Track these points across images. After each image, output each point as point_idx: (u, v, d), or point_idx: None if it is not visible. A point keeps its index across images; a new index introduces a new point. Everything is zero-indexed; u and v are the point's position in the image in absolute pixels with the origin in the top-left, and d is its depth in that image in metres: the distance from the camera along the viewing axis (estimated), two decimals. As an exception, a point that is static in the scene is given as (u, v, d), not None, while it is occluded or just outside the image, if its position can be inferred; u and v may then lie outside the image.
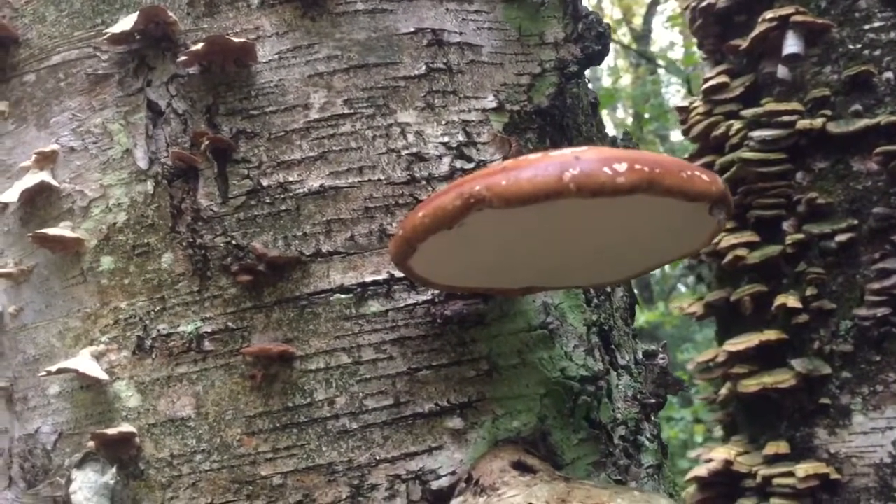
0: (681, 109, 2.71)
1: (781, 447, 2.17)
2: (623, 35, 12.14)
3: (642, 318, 9.43)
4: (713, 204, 0.82)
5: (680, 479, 2.50)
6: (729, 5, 2.55)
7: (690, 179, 0.78)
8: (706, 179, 0.79)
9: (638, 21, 11.69)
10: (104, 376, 0.98)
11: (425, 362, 0.98)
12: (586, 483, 0.82)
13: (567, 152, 0.78)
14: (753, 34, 2.40)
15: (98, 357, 1.00)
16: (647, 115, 10.45)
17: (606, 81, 12.79)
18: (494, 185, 0.76)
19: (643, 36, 11.47)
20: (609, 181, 0.75)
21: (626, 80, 12.44)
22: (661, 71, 10.67)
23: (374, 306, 0.98)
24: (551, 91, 1.13)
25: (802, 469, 2.10)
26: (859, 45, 2.32)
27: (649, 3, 11.09)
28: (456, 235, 0.82)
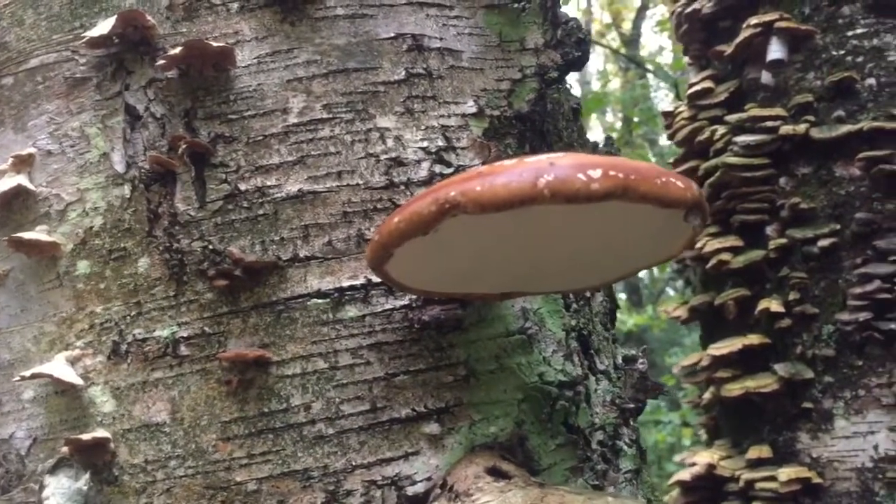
0: (666, 114, 2.71)
1: (764, 451, 2.18)
2: (612, 39, 12.19)
3: (630, 321, 9.46)
4: (688, 210, 0.82)
5: (668, 483, 2.51)
6: (714, 11, 2.56)
7: (665, 186, 0.78)
8: (681, 186, 0.80)
9: (627, 25, 11.74)
10: (79, 381, 0.98)
11: (402, 367, 0.98)
12: (560, 489, 0.82)
13: (542, 158, 0.78)
14: (738, 40, 2.41)
15: (73, 362, 0.99)
16: (636, 119, 10.50)
17: (596, 86, 12.83)
18: (469, 191, 0.76)
19: (632, 40, 11.52)
20: (583, 188, 0.75)
21: (615, 84, 12.49)
22: (650, 75, 10.72)
23: (351, 311, 0.98)
24: (532, 97, 1.13)
25: (785, 473, 2.10)
26: (842, 52, 2.33)
27: (638, 7, 11.15)
28: (432, 241, 0.82)
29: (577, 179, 0.75)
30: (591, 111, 10.83)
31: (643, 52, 12.04)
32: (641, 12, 11.21)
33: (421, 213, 0.78)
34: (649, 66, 10.43)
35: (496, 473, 0.88)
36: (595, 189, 0.75)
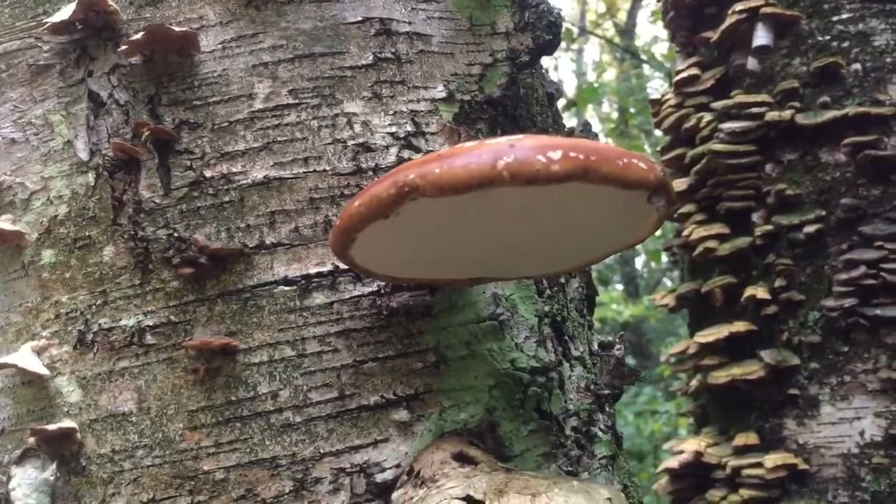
0: (653, 102, 2.71)
1: (751, 438, 2.18)
2: (607, 29, 12.15)
3: (627, 312, 9.46)
4: (651, 192, 0.81)
5: (656, 471, 2.50)
6: (700, -2, 2.56)
7: (627, 167, 0.77)
8: (643, 167, 0.79)
9: (622, 15, 11.70)
10: (45, 371, 0.97)
11: (371, 354, 0.97)
12: (526, 473, 0.81)
13: (502, 140, 0.77)
14: (723, 26, 2.40)
15: (39, 352, 0.99)
16: (631, 110, 10.47)
17: (592, 76, 12.79)
18: (428, 174, 0.75)
19: (627, 30, 11.49)
20: (543, 169, 0.74)
21: (611, 74, 12.45)
22: (645, 65, 10.69)
23: (318, 298, 0.97)
24: (503, 81, 1.12)
25: (771, 460, 2.10)
26: (828, 37, 2.32)
27: (633, -3, 11.10)
28: (396, 225, 0.81)
29: (536, 161, 0.74)
30: (586, 102, 10.80)
31: (638, 42, 12.01)
32: (636, 2, 11.17)
33: (380, 196, 0.77)
34: (643, 56, 10.40)
35: (463, 459, 0.87)
36: (555, 171, 0.74)
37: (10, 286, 1.02)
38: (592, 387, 1.16)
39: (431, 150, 1.04)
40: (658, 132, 2.79)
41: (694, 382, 2.42)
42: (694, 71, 2.51)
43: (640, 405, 8.37)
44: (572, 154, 0.75)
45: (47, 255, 1.00)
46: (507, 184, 0.74)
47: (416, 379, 0.98)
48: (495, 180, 0.74)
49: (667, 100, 2.60)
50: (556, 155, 0.74)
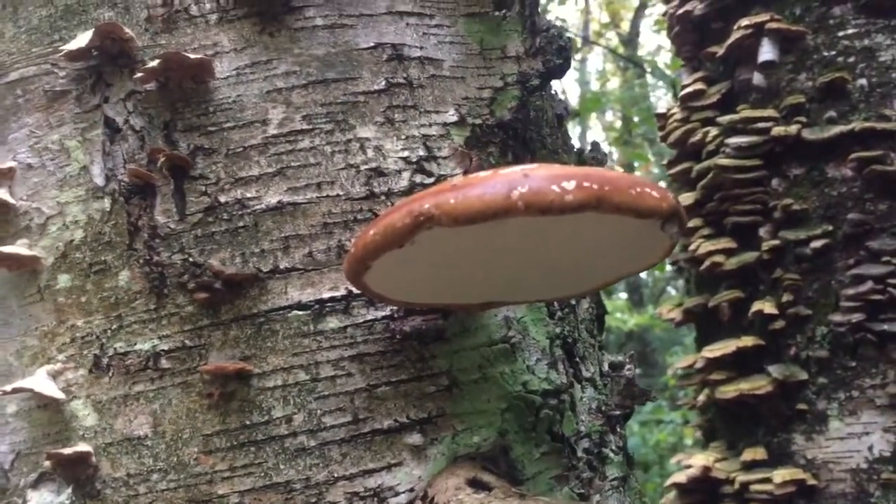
0: (659, 116, 2.72)
1: (759, 453, 2.18)
2: (610, 39, 12.18)
3: (632, 321, 9.45)
4: (664, 220, 0.82)
5: (665, 485, 2.50)
6: (706, 12, 2.57)
7: (640, 196, 0.78)
8: (656, 196, 0.79)
9: (626, 25, 11.73)
10: (60, 395, 0.98)
11: (384, 378, 0.97)
12: (541, 499, 0.82)
13: (517, 170, 0.77)
14: (729, 41, 2.41)
15: (55, 376, 0.99)
16: (635, 119, 10.49)
17: (595, 85, 12.82)
18: (443, 204, 0.76)
19: (630, 40, 11.52)
20: (557, 199, 0.75)
21: (614, 83, 12.48)
22: (648, 75, 10.71)
23: (332, 322, 0.97)
24: (513, 104, 1.13)
25: (779, 475, 2.10)
26: (833, 52, 2.33)
27: (637, 6, 11.14)
28: (410, 252, 0.82)
29: (550, 191, 0.75)
30: (589, 111, 10.83)
31: (641, 52, 12.04)
32: (640, 12, 11.20)
33: (395, 225, 0.78)
34: (647, 66, 10.42)
35: (477, 485, 0.87)
36: (569, 201, 0.75)
37: (26, 310, 1.03)
38: (604, 408, 1.17)
39: (443, 174, 1.05)
40: (663, 143, 2.81)
41: (701, 397, 2.42)
42: (700, 85, 2.52)
43: (645, 415, 8.35)
44: (586, 184, 0.76)
45: (63, 280, 1.01)
46: (521, 214, 0.75)
47: (429, 402, 0.98)
48: (510, 210, 0.75)
49: (673, 114, 2.61)
50: (570, 185, 0.75)
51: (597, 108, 10.96)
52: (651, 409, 8.31)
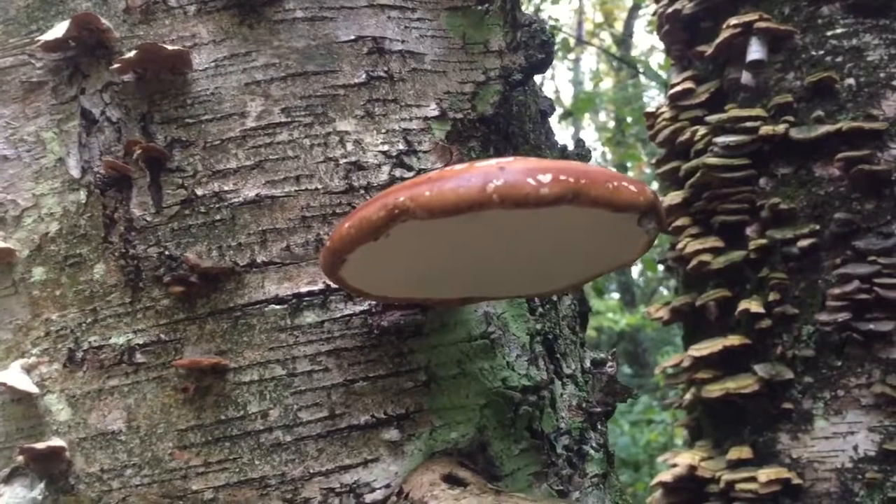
0: (648, 115, 2.71)
1: (744, 452, 2.18)
2: (604, 40, 12.19)
3: (623, 321, 9.46)
4: (642, 214, 0.82)
5: (650, 484, 2.50)
6: (695, 11, 2.57)
7: (617, 190, 0.78)
8: (633, 190, 0.79)
9: (619, 25, 11.74)
10: (34, 389, 0.97)
11: (362, 374, 0.97)
12: (515, 496, 0.81)
13: (492, 163, 0.77)
14: (718, 40, 2.41)
15: (29, 370, 0.98)
16: (628, 119, 10.50)
17: (588, 85, 12.82)
18: (418, 196, 0.75)
19: (624, 40, 11.53)
20: (533, 192, 0.74)
21: (607, 83, 12.49)
22: (642, 75, 10.72)
23: (309, 317, 0.97)
24: (496, 99, 1.12)
25: (764, 474, 2.10)
26: (822, 52, 2.33)
27: (630, 7, 11.15)
28: (387, 245, 0.81)
29: (526, 184, 0.74)
30: (582, 111, 10.83)
31: (635, 52, 12.05)
32: (633, 12, 11.21)
33: (370, 218, 0.77)
34: (639, 67, 10.43)
35: (452, 480, 0.87)
36: (545, 194, 0.74)
37: (0, 303, 1.02)
38: (584, 404, 1.16)
39: (424, 169, 1.04)
40: (652, 142, 2.81)
41: (688, 396, 2.42)
42: (689, 84, 2.52)
43: (636, 414, 8.36)
44: (562, 177, 0.75)
45: (38, 273, 1.00)
46: (496, 207, 0.74)
47: (407, 398, 0.98)
48: (485, 203, 0.74)
49: (661, 112, 2.61)
50: (546, 178, 0.74)
51: (590, 109, 10.97)
52: (642, 409, 8.31)
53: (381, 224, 0.77)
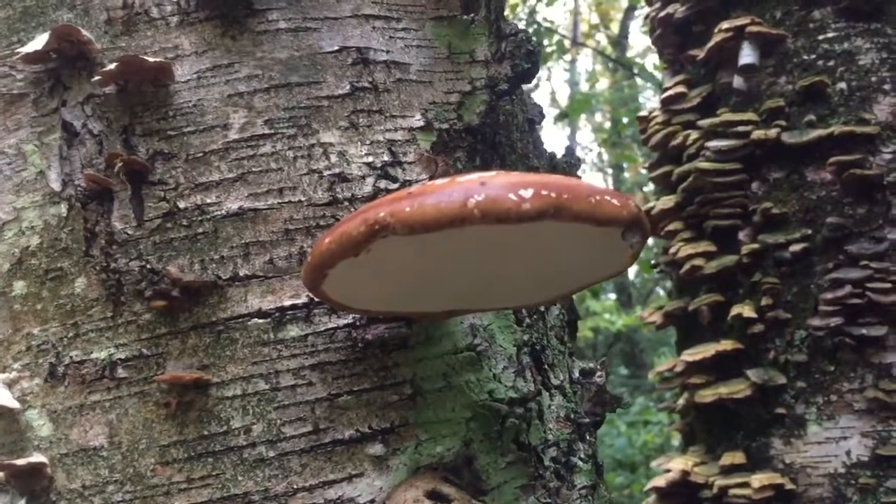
0: (641, 119, 2.71)
1: (737, 457, 2.17)
2: (599, 41, 12.19)
3: (619, 322, 9.46)
4: (625, 228, 0.81)
5: (643, 489, 2.49)
6: (687, 15, 2.56)
7: (599, 204, 0.77)
8: (616, 204, 0.78)
9: (615, 26, 11.75)
10: (15, 405, 0.96)
11: (346, 387, 0.96)
12: (500, 513, 0.80)
13: (474, 177, 0.76)
14: (710, 44, 2.41)
15: (10, 385, 0.97)
16: (624, 120, 10.50)
17: (585, 86, 12.82)
18: (398, 212, 0.75)
19: (620, 41, 11.53)
20: (514, 207, 0.73)
21: (603, 84, 12.49)
22: (637, 77, 10.72)
23: (293, 331, 0.96)
24: (482, 109, 1.11)
25: (757, 479, 2.10)
26: (813, 56, 2.33)
27: (626, 8, 11.16)
28: (368, 261, 0.80)
29: (507, 199, 0.73)
30: (578, 112, 10.83)
31: (631, 53, 12.06)
32: (629, 13, 11.22)
33: (351, 234, 0.77)
34: (635, 68, 10.44)
35: (436, 497, 0.86)
36: (526, 209, 0.73)
37: (-19, 317, 1.01)
38: (573, 416, 1.16)
39: (408, 180, 1.03)
40: (644, 146, 2.81)
41: (681, 401, 2.42)
42: (681, 88, 2.51)
43: (632, 415, 8.36)
44: (544, 192, 0.74)
45: (18, 287, 0.99)
46: (477, 222, 0.73)
47: (392, 412, 0.97)
48: (466, 219, 0.73)
49: (654, 116, 2.60)
50: (528, 193, 0.74)
51: (586, 110, 10.97)
52: (638, 410, 8.31)
53: (361, 239, 0.76)
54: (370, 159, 1.02)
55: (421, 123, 1.06)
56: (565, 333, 1.25)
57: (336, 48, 1.04)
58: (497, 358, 1.06)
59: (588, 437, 1.20)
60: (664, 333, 9.48)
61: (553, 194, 0.74)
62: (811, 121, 2.27)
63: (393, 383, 0.98)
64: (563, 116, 10.05)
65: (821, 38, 2.34)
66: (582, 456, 1.16)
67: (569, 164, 1.35)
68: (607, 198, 0.78)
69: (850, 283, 2.13)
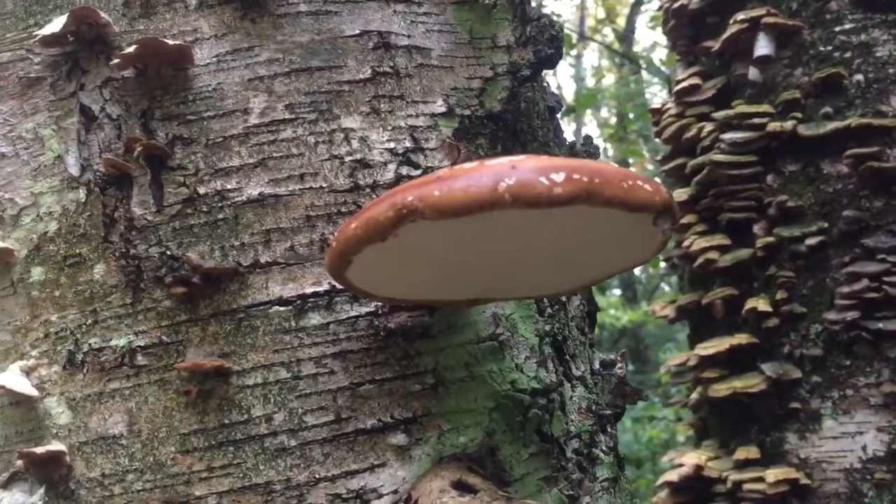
0: (654, 111, 2.69)
1: (752, 452, 2.16)
2: (606, 35, 12.14)
3: (625, 317, 9.44)
4: (657, 214, 0.79)
5: (656, 483, 2.48)
6: (701, 6, 2.54)
7: (632, 189, 0.75)
8: (648, 189, 0.77)
9: (622, 21, 11.70)
10: (34, 392, 0.95)
11: (368, 376, 0.94)
12: (528, 502, 0.79)
13: (504, 161, 0.75)
14: (725, 36, 2.38)
15: (28, 372, 0.96)
16: (630, 115, 10.46)
17: (591, 81, 12.78)
18: (427, 196, 0.73)
19: (626, 36, 11.49)
20: (546, 192, 0.72)
21: (610, 79, 12.45)
22: (644, 71, 10.68)
23: (314, 319, 0.94)
24: (504, 95, 1.10)
25: (772, 474, 2.08)
26: (830, 47, 2.31)
27: (633, 3, 11.11)
28: (394, 246, 0.79)
29: (538, 183, 0.72)
30: (584, 107, 10.79)
31: (637, 48, 12.01)
32: (636, 8, 11.16)
33: (378, 219, 0.75)
34: (642, 63, 10.40)
35: (462, 487, 0.85)
36: (558, 193, 0.72)
37: (-2, 304, 0.99)
38: (594, 407, 1.14)
39: (430, 167, 1.02)
40: (657, 139, 2.78)
41: (694, 395, 2.40)
42: (695, 80, 2.49)
43: (637, 411, 8.34)
44: (576, 176, 0.73)
45: (37, 273, 0.98)
46: (508, 207, 0.72)
47: (415, 401, 0.95)
48: (496, 203, 0.72)
49: (667, 109, 2.58)
50: (559, 177, 0.72)
51: (592, 105, 10.93)
52: (644, 406, 8.30)
53: (388, 224, 0.75)
54: (392, 145, 1.01)
55: (443, 109, 1.05)
56: (586, 324, 1.24)
57: (357, 32, 1.02)
58: (519, 348, 1.04)
59: (609, 429, 1.18)
60: (669, 329, 9.46)
61: (585, 178, 0.73)
62: (827, 113, 2.25)
63: (415, 372, 0.96)
64: (569, 111, 10.02)
65: (837, 29, 2.31)
66: (603, 448, 1.14)
67: (588, 153, 1.33)
68: (639, 183, 0.76)
69: (866, 276, 2.11)
